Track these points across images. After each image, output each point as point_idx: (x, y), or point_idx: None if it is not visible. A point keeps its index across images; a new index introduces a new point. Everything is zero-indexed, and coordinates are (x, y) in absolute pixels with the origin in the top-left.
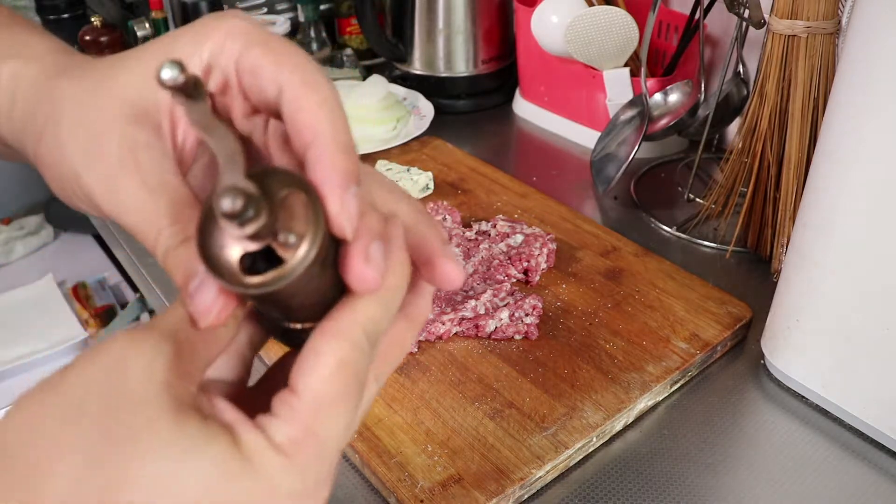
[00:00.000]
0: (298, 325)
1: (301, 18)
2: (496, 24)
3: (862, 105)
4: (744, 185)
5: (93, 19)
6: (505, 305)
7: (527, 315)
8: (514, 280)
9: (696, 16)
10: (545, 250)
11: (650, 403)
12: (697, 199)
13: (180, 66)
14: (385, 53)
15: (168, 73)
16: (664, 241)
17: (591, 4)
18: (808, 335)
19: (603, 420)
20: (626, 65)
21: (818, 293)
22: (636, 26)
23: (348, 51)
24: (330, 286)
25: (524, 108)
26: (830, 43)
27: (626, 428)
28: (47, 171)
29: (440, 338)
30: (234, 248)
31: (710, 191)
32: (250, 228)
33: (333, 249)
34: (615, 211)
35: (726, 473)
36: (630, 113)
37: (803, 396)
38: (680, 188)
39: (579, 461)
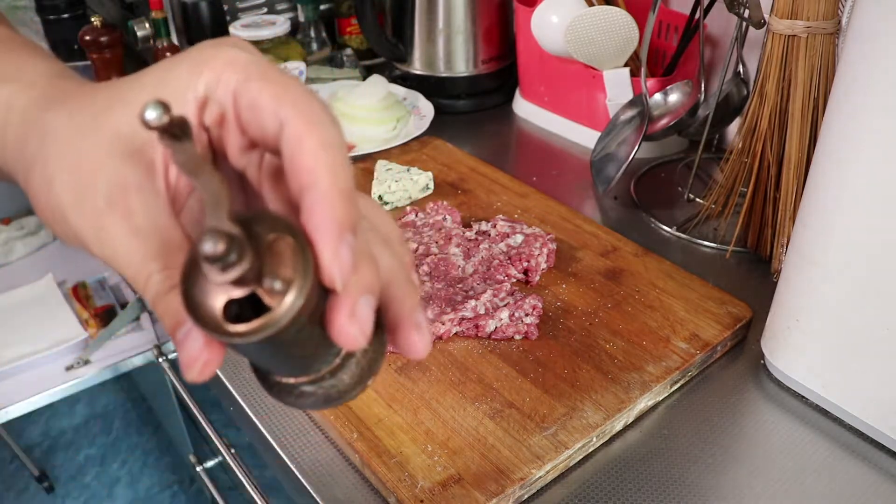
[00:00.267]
0: (292, 380)
1: (301, 18)
2: (496, 24)
3: (862, 105)
4: (744, 185)
5: (93, 19)
6: (505, 305)
7: (527, 315)
8: (514, 280)
9: (696, 16)
10: (545, 250)
11: (650, 403)
12: (697, 199)
13: (165, 106)
14: (385, 53)
15: (152, 114)
16: (664, 241)
17: (591, 4)
18: (808, 335)
19: (603, 420)
20: (626, 65)
21: (818, 293)
22: (636, 26)
23: (348, 51)
24: (320, 337)
25: (524, 108)
26: (830, 43)
27: (626, 428)
28: (36, 205)
29: (440, 338)
30: (219, 294)
31: (710, 191)
32: (234, 273)
33: (323, 299)
34: (615, 211)
35: (726, 473)
36: (630, 113)
37: (803, 396)
38: (680, 188)
39: (579, 461)
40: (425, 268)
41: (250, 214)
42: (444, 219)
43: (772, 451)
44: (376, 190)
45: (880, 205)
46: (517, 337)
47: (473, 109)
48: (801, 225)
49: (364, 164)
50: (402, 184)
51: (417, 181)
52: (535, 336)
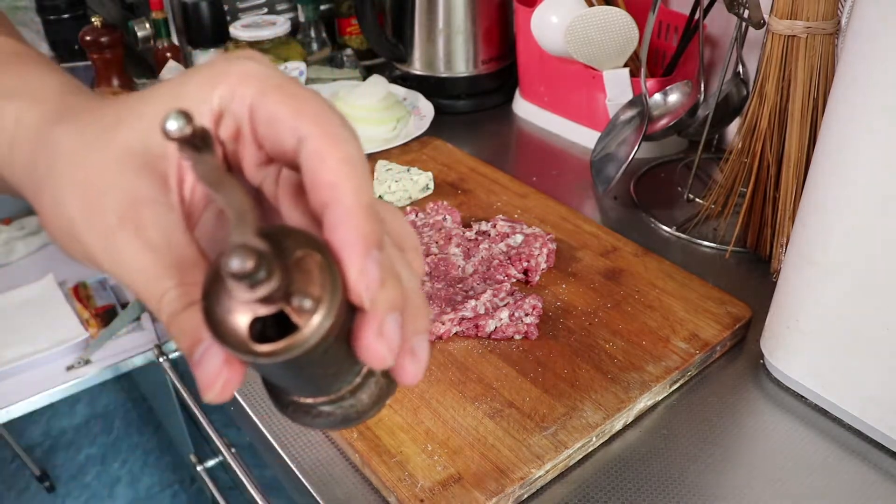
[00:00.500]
0: (310, 399)
1: (301, 18)
2: (496, 24)
3: (861, 105)
4: (743, 185)
5: (93, 19)
6: (505, 305)
7: (527, 315)
8: (514, 280)
9: (696, 16)
10: (545, 250)
11: (650, 403)
12: (697, 199)
13: (187, 116)
14: (385, 53)
15: (174, 124)
16: (664, 241)
17: (591, 4)
18: (807, 335)
19: (603, 420)
20: (625, 65)
21: (818, 293)
22: (636, 26)
23: (348, 51)
24: (344, 356)
25: (524, 109)
26: (830, 43)
27: (626, 427)
28: (46, 223)
29: (440, 338)
30: (243, 313)
31: (710, 191)
32: (262, 291)
33: (349, 318)
34: (615, 211)
35: (725, 473)
36: (630, 113)
37: (803, 396)
38: (680, 188)
39: (579, 461)
40: (425, 268)
41: (274, 229)
42: (444, 219)
43: (771, 450)
44: (376, 190)
45: (880, 205)
46: (517, 337)
47: (473, 109)
48: (801, 225)
49: None
50: (402, 184)
51: (417, 181)
52: (534, 336)
